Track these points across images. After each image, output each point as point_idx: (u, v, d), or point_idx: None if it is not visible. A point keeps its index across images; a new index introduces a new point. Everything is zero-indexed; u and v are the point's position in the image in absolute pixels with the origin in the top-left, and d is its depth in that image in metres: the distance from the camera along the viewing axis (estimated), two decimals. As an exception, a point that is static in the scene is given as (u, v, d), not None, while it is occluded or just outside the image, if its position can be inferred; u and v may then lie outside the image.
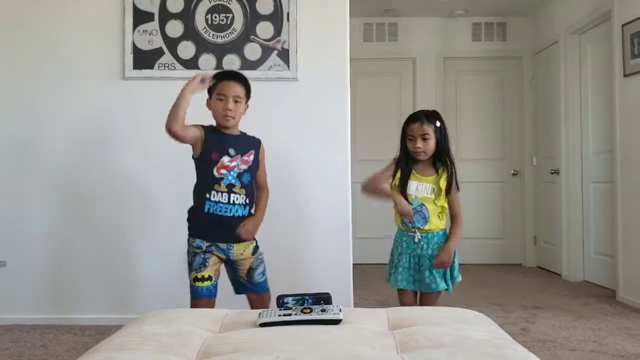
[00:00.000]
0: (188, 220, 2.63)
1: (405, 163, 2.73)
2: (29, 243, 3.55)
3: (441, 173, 2.72)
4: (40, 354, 2.93)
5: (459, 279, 2.75)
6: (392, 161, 2.79)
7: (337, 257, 3.55)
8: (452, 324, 1.66)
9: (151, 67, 3.56)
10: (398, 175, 2.73)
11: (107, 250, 3.55)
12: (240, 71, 3.54)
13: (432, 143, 2.69)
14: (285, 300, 1.80)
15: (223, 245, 2.57)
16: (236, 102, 2.57)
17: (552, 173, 5.32)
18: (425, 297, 2.73)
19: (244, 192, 2.57)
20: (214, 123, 2.64)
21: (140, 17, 3.57)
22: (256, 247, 2.66)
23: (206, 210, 2.55)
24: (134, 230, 3.56)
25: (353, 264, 3.63)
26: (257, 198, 2.70)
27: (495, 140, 6.04)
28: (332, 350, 1.41)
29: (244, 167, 2.59)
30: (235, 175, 2.56)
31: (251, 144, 2.67)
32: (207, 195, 2.54)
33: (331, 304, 1.76)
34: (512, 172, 6.01)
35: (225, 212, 2.54)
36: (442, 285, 2.68)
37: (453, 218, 2.82)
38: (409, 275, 2.69)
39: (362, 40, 5.94)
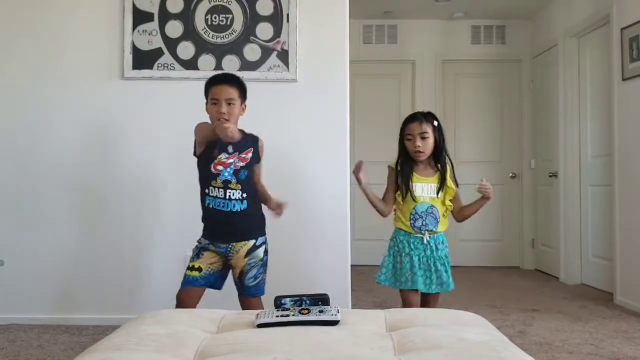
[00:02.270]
0: (202, 220, 2.71)
1: (406, 165, 2.73)
2: (27, 243, 3.54)
3: (444, 171, 2.75)
4: (37, 353, 2.92)
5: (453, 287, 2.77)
6: (389, 171, 2.80)
7: (335, 259, 3.55)
8: (449, 326, 1.66)
9: (150, 68, 3.56)
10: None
11: (105, 250, 3.55)
12: (240, 72, 3.56)
13: (430, 142, 2.71)
14: (283, 301, 1.80)
15: (223, 245, 2.62)
16: (230, 104, 2.60)
17: (550, 176, 5.33)
18: (431, 297, 2.72)
19: (240, 188, 2.61)
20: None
21: (140, 17, 3.57)
22: (254, 248, 2.66)
23: (207, 204, 2.63)
24: (133, 230, 3.56)
25: (351, 266, 3.63)
26: (260, 193, 2.76)
27: (494, 143, 6.04)
28: (330, 351, 1.41)
29: (241, 164, 2.63)
30: (231, 172, 2.60)
31: (250, 141, 2.71)
32: (206, 191, 2.62)
33: (329, 305, 1.76)
34: (511, 174, 6.01)
35: (223, 207, 2.59)
36: (453, 285, 2.71)
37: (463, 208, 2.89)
38: (422, 277, 2.66)
39: (362, 42, 5.95)
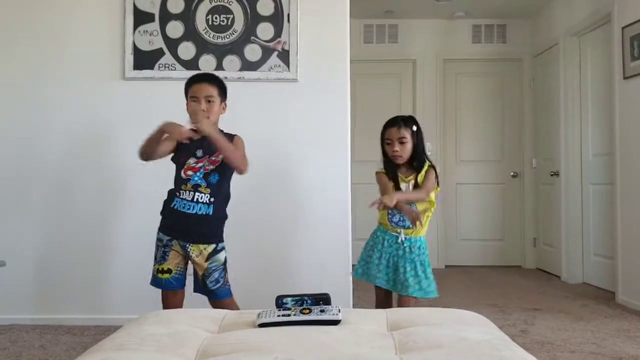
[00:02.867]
0: (161, 213, 2.71)
1: (392, 168, 2.79)
2: (29, 243, 3.55)
3: (419, 171, 2.77)
4: (39, 354, 2.92)
5: (434, 295, 2.72)
6: (379, 176, 2.84)
7: (336, 258, 3.56)
8: (450, 325, 1.66)
9: (151, 68, 3.56)
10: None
11: (107, 250, 3.55)
12: (241, 72, 3.57)
13: (409, 147, 2.76)
14: (284, 300, 1.80)
15: (182, 242, 2.63)
16: (209, 102, 2.61)
17: (551, 175, 5.33)
18: (401, 299, 2.74)
19: (209, 192, 2.61)
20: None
21: (141, 17, 3.57)
22: (214, 252, 2.63)
23: (172, 205, 2.63)
24: (134, 230, 3.56)
25: (352, 265, 3.63)
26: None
27: (495, 142, 6.04)
28: (331, 351, 1.41)
29: (211, 167, 2.62)
30: (201, 175, 2.61)
31: None
32: (177, 194, 2.63)
33: (330, 304, 1.76)
34: (512, 174, 6.01)
35: (188, 209, 2.61)
36: (416, 292, 2.68)
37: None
38: (385, 274, 2.71)
39: (363, 42, 5.95)
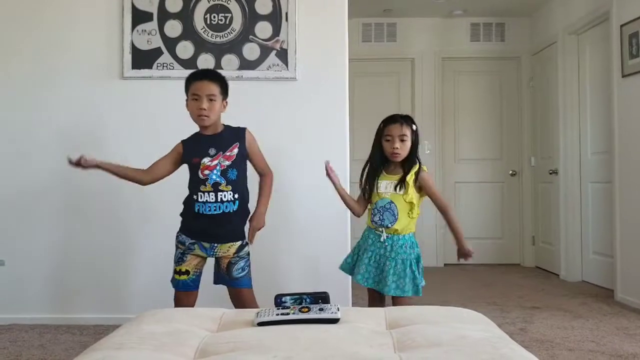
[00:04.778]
0: (181, 215, 2.69)
1: (378, 164, 2.78)
2: (28, 242, 3.55)
3: (408, 170, 2.73)
4: (39, 353, 2.92)
5: (423, 283, 2.71)
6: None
7: (335, 257, 3.54)
8: (449, 323, 1.67)
9: (150, 67, 3.56)
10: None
11: (105, 249, 3.55)
12: (239, 71, 3.57)
13: (408, 145, 2.75)
14: (283, 299, 1.80)
15: (207, 245, 2.61)
16: (211, 100, 2.57)
17: (550, 173, 5.33)
18: (393, 299, 2.71)
19: (231, 189, 2.58)
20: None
21: (139, 16, 3.57)
22: (241, 247, 2.66)
23: (196, 210, 2.60)
24: (133, 229, 3.56)
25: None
26: (260, 187, 2.73)
27: (494, 141, 6.04)
28: (330, 349, 1.41)
29: (227, 162, 2.59)
30: (218, 173, 2.58)
31: (234, 137, 2.65)
32: (195, 197, 2.59)
33: (329, 303, 1.76)
34: (511, 172, 6.01)
35: (215, 210, 2.57)
36: (392, 291, 2.64)
37: (443, 208, 2.86)
38: (368, 272, 2.70)
39: (361, 41, 5.94)
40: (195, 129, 2.73)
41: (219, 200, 2.57)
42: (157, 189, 3.58)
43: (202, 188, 2.57)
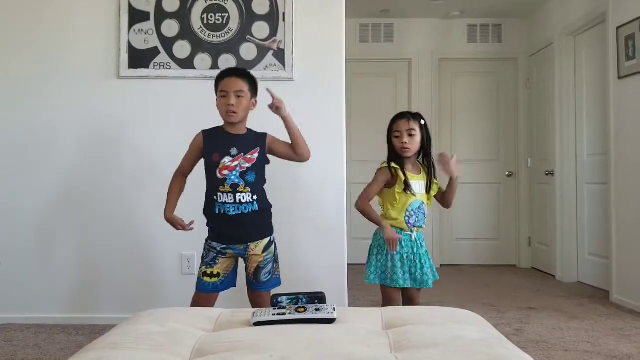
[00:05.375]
0: (208, 224, 2.66)
1: (398, 163, 2.78)
2: (24, 242, 3.54)
3: (426, 170, 2.84)
4: (34, 353, 2.92)
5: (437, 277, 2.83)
6: (382, 171, 2.81)
7: (332, 257, 3.56)
8: (446, 323, 1.67)
9: (147, 67, 3.56)
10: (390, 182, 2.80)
11: (102, 250, 3.54)
12: (237, 71, 3.56)
13: (417, 140, 2.78)
14: (279, 299, 1.80)
15: (240, 247, 2.59)
16: (239, 97, 2.56)
17: (546, 174, 5.34)
18: (415, 292, 2.78)
19: (250, 190, 2.56)
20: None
21: (136, 16, 3.56)
22: (269, 244, 2.65)
23: (217, 211, 2.57)
24: (131, 229, 3.55)
25: (348, 264, 3.64)
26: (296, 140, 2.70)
27: (490, 142, 6.05)
28: (326, 349, 1.41)
29: (247, 165, 2.57)
30: (237, 174, 2.55)
31: (256, 141, 2.64)
32: (215, 197, 2.57)
33: (325, 303, 1.76)
34: (507, 173, 6.02)
35: (235, 211, 2.55)
36: (431, 282, 2.75)
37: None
38: (404, 273, 2.71)
39: (358, 41, 5.95)
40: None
41: (237, 201, 2.54)
42: (158, 188, 3.57)
43: (221, 189, 2.55)
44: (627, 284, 4.02)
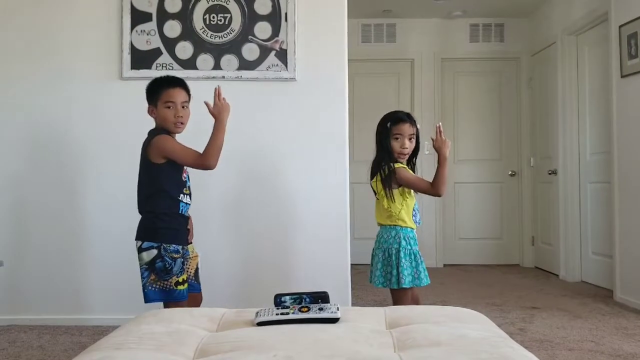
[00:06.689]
0: (158, 227, 2.52)
1: (393, 163, 2.73)
2: (27, 243, 3.54)
3: (414, 171, 2.85)
4: (38, 354, 2.92)
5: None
6: (406, 169, 2.78)
7: (335, 257, 3.56)
8: (449, 322, 1.67)
9: (149, 67, 3.56)
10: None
11: (104, 250, 3.54)
12: (239, 71, 3.58)
13: (413, 144, 2.79)
14: (282, 299, 1.80)
15: (186, 248, 2.60)
16: (184, 107, 2.60)
17: (549, 174, 5.33)
18: (418, 291, 2.80)
19: (189, 193, 2.64)
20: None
21: (138, 17, 3.57)
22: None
23: (180, 211, 2.57)
24: (132, 230, 3.55)
25: (351, 264, 3.64)
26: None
27: (493, 141, 6.05)
28: (330, 348, 1.41)
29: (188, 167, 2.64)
30: (187, 177, 2.63)
31: None
32: (180, 197, 2.57)
33: (329, 302, 1.76)
34: (510, 172, 6.01)
35: (189, 211, 2.62)
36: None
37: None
38: (413, 271, 2.69)
39: (360, 41, 5.95)
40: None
41: (190, 202, 2.62)
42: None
43: (184, 190, 2.60)
44: (631, 282, 4.01)
